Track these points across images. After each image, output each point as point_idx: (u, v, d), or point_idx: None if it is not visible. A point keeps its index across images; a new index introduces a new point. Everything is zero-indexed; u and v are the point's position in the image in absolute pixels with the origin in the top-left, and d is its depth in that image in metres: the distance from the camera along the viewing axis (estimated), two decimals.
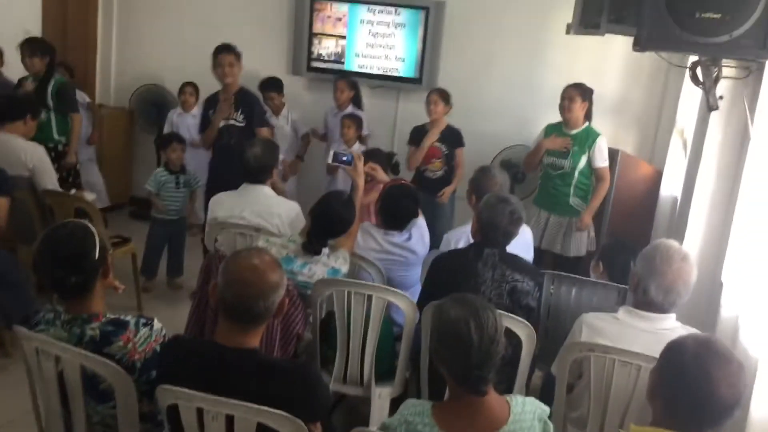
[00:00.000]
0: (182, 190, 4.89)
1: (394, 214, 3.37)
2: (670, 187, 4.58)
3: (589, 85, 4.58)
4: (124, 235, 4.57)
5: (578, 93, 4.43)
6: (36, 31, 5.83)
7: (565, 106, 4.46)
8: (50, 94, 4.96)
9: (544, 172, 4.61)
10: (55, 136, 4.99)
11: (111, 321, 2.02)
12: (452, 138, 5.05)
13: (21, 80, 5.09)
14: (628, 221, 4.73)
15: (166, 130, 5.87)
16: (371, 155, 4.19)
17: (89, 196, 4.45)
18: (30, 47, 4.92)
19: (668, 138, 4.86)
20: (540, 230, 4.56)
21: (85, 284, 2.01)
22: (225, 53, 4.48)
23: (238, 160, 3.64)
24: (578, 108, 4.42)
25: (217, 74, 4.51)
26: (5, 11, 5.54)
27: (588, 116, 4.53)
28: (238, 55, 4.52)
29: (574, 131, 4.48)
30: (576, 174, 4.45)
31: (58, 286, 2.00)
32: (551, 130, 4.62)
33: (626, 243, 3.27)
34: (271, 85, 5.70)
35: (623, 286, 2.97)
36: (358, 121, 5.26)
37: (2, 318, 3.68)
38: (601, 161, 4.44)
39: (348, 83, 5.64)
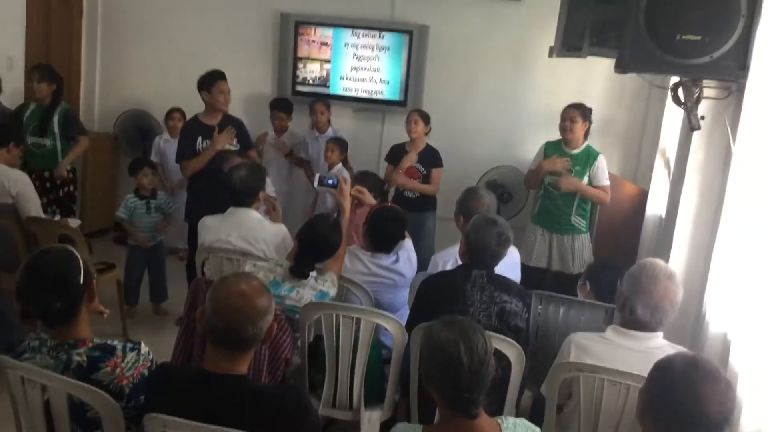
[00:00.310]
0: (154, 215, 4.83)
1: (382, 236, 3.37)
2: (656, 207, 4.61)
3: None
4: (108, 261, 4.53)
5: (579, 113, 4.46)
6: (19, 57, 5.83)
7: (566, 127, 4.47)
8: (56, 122, 4.98)
9: (544, 191, 4.61)
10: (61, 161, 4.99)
11: (98, 346, 1.99)
12: (430, 158, 5.10)
13: (23, 106, 5.07)
14: (614, 241, 4.76)
15: (153, 156, 5.87)
16: (364, 177, 4.20)
17: (73, 222, 4.41)
18: (41, 73, 4.97)
19: (652, 157, 4.90)
20: (546, 250, 4.57)
21: (70, 309, 1.99)
22: (224, 81, 4.51)
23: (226, 183, 3.63)
24: (579, 128, 4.45)
25: (217, 102, 4.48)
26: None
27: (586, 135, 4.56)
28: None
29: (575, 151, 4.50)
30: (578, 193, 4.47)
31: (44, 312, 1.98)
32: (551, 148, 4.62)
33: (612, 262, 3.29)
34: (281, 105, 5.75)
35: (610, 305, 2.97)
36: (342, 145, 5.27)
37: None
38: (604, 179, 4.47)
39: (326, 105, 5.72)
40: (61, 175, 5.04)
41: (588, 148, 4.52)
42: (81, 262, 2.02)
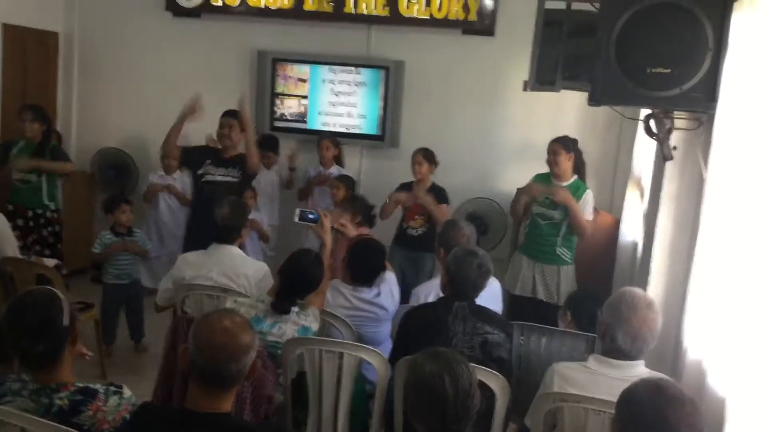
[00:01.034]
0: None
1: (362, 268, 3.37)
2: (629, 234, 4.68)
3: (545, 137, 4.67)
4: (86, 300, 4.48)
5: (561, 146, 4.48)
6: None
7: (551, 161, 4.49)
8: (48, 158, 4.99)
9: (532, 221, 4.61)
10: (45, 201, 5.00)
11: (80, 390, 1.97)
12: (436, 196, 5.05)
13: (10, 143, 5.03)
14: (591, 270, 4.80)
15: (145, 195, 5.87)
16: (353, 200, 4.23)
17: (49, 262, 4.36)
18: (33, 113, 4.98)
19: (625, 187, 4.99)
20: (530, 279, 4.56)
21: (53, 352, 1.96)
22: (227, 117, 4.74)
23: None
24: (564, 160, 4.45)
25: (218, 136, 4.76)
26: None
27: (578, 167, 4.56)
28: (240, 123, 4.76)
29: (563, 183, 4.50)
30: (564, 225, 4.46)
31: (26, 355, 1.95)
32: (540, 179, 4.64)
33: (592, 292, 3.32)
34: (268, 144, 5.77)
35: (591, 334, 3.00)
36: (348, 182, 5.21)
37: None
38: (587, 214, 4.46)
39: (333, 141, 5.71)
40: (18, 166, 4.97)
41: (577, 183, 4.53)
42: (65, 303, 2.00)
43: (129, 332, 4.89)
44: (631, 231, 4.80)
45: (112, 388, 2.00)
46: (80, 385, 1.98)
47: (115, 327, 4.82)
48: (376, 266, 3.39)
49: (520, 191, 4.64)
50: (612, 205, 5.59)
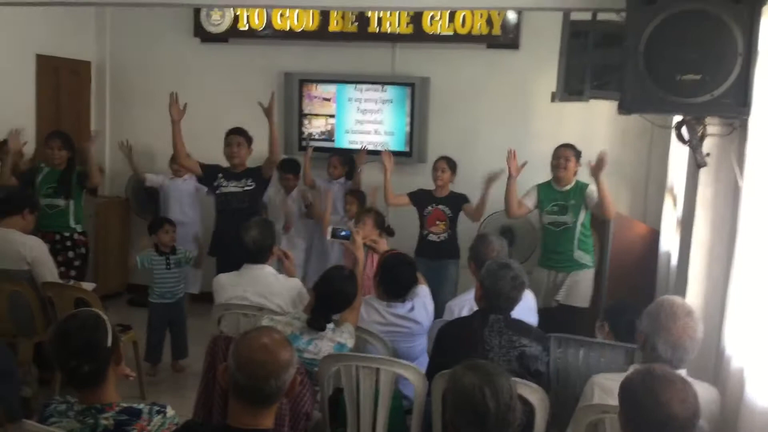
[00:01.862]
0: (174, 270, 4.88)
1: (393, 283, 3.38)
2: (668, 245, 4.61)
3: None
4: (123, 323, 4.54)
5: (572, 153, 4.63)
6: (30, 127, 5.96)
7: (561, 165, 4.62)
8: (74, 181, 5.05)
9: (545, 231, 4.67)
10: (72, 224, 5.04)
11: (124, 410, 2.00)
12: (457, 201, 5.14)
13: (35, 169, 5.15)
14: (628, 281, 4.75)
15: (149, 183, 6.10)
16: (370, 211, 4.28)
17: (88, 285, 4.44)
18: (62, 140, 5.06)
19: (659, 196, 4.94)
20: (552, 291, 4.59)
21: (98, 373, 2.00)
22: (234, 134, 4.97)
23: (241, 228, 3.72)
24: (573, 166, 4.61)
25: (225, 153, 4.95)
26: (3, 110, 5.67)
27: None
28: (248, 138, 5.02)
29: (566, 187, 4.62)
30: (578, 227, 4.57)
31: (72, 376, 1.99)
32: (543, 189, 4.76)
33: (629, 303, 3.28)
34: (289, 166, 5.81)
35: (631, 345, 2.96)
36: (361, 197, 5.33)
37: (3, 411, 3.63)
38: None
39: (340, 160, 5.80)
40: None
41: (577, 183, 4.65)
42: (108, 325, 2.04)
43: (171, 351, 4.97)
44: (669, 240, 4.74)
45: (156, 408, 2.03)
46: (125, 405, 2.02)
47: (160, 347, 4.92)
48: (407, 281, 3.40)
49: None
50: (646, 215, 5.53)
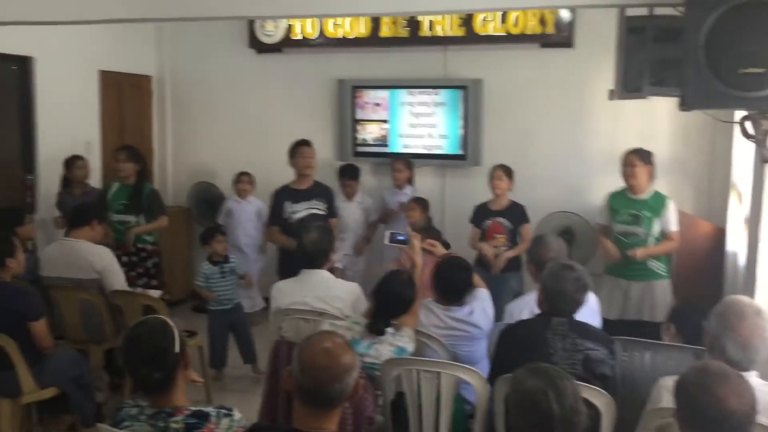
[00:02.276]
0: (229, 278, 4.98)
1: (448, 286, 3.37)
2: (735, 243, 4.47)
3: (635, 146, 4.57)
4: (189, 329, 4.66)
5: (638, 157, 4.38)
6: (95, 140, 6.19)
7: (628, 173, 4.41)
8: (144, 201, 5.19)
9: (615, 240, 4.47)
10: (144, 236, 5.19)
11: (194, 413, 2.06)
12: (516, 214, 5.03)
13: (106, 187, 5.33)
14: (694, 282, 4.62)
15: (221, 219, 6.07)
16: (426, 232, 4.24)
17: (154, 293, 4.57)
18: (128, 153, 5.19)
19: (724, 193, 4.79)
20: (620, 300, 4.44)
21: (167, 378, 2.07)
22: (306, 146, 4.96)
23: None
24: (641, 172, 4.36)
25: (297, 165, 4.92)
26: (68, 124, 5.91)
27: (652, 181, 4.46)
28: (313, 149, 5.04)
29: (641, 196, 4.41)
30: (650, 240, 4.36)
31: (143, 382, 2.06)
32: (615, 197, 4.55)
33: (696, 303, 3.20)
34: (349, 171, 5.88)
35: (699, 347, 2.88)
36: (423, 204, 5.26)
37: (79, 417, 3.78)
38: (673, 225, 4.35)
39: (405, 163, 5.81)
40: (128, 241, 5.11)
41: (657, 194, 4.42)
42: (176, 332, 2.11)
43: (241, 356, 5.08)
44: (736, 239, 4.60)
45: (224, 411, 2.08)
46: (193, 408, 2.08)
47: (224, 352, 5.03)
48: (462, 284, 3.37)
49: (601, 233, 4.64)
50: (710, 213, 5.38)
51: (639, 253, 4.30)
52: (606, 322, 4.35)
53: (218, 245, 4.98)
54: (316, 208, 4.88)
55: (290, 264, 4.41)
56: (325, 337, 2.02)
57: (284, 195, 4.94)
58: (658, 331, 4.05)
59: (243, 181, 6.13)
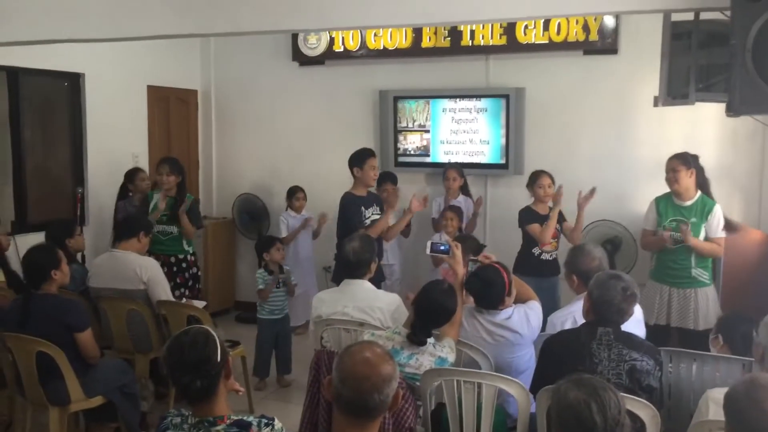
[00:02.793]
0: (282, 288, 5.08)
1: (481, 290, 3.33)
2: None
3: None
4: (232, 338, 4.72)
5: (680, 162, 4.33)
6: (143, 155, 6.34)
7: (671, 179, 4.36)
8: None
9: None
10: (185, 247, 5.29)
11: (235, 422, 2.07)
12: (561, 216, 5.05)
13: (147, 197, 5.43)
14: (744, 291, 4.49)
15: (283, 230, 6.16)
16: (463, 240, 4.22)
17: (199, 303, 4.64)
18: (170, 165, 5.27)
19: None
20: (665, 307, 4.39)
21: (210, 387, 2.09)
22: (375, 157, 4.90)
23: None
24: (684, 177, 4.30)
25: (368, 177, 4.84)
26: (117, 138, 6.07)
27: (702, 185, 4.38)
28: None
29: (687, 202, 4.35)
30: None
31: (186, 390, 2.08)
32: (661, 202, 4.49)
33: (744, 314, 3.11)
34: (387, 177, 5.91)
35: (748, 359, 2.81)
36: (459, 213, 5.32)
37: (125, 425, 3.85)
38: (719, 231, 4.29)
39: (458, 171, 5.80)
40: (155, 216, 5.16)
41: (702, 199, 4.34)
42: (218, 341, 2.13)
43: (276, 366, 5.14)
44: None
45: (264, 420, 2.10)
46: (235, 417, 2.10)
47: (269, 361, 5.11)
48: (495, 288, 3.32)
49: (646, 236, 4.59)
50: (760, 220, 5.23)
51: (686, 232, 4.24)
52: (650, 327, 4.30)
53: (277, 253, 5.07)
54: (377, 214, 4.87)
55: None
56: (365, 347, 2.02)
57: (356, 202, 4.83)
58: (702, 339, 3.97)
59: (299, 197, 6.24)
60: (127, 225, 4.58)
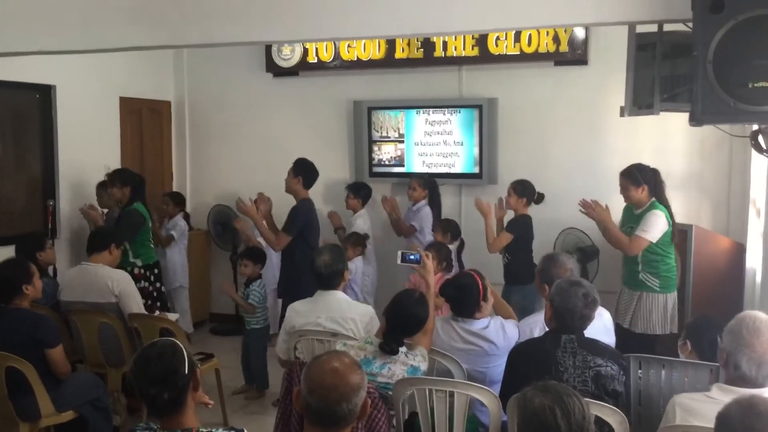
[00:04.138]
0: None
1: (457, 298, 3.37)
2: (755, 259, 4.41)
3: (651, 162, 4.56)
4: (206, 351, 4.69)
5: (628, 181, 4.43)
6: (116, 166, 6.27)
7: (622, 194, 4.51)
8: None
9: None
10: (131, 258, 5.17)
11: None
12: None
13: (111, 214, 5.44)
14: (713, 298, 4.57)
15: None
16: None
17: (172, 316, 4.61)
18: (111, 178, 5.26)
19: (742, 208, 4.75)
20: (628, 308, 4.47)
21: (177, 399, 2.08)
22: None
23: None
24: (634, 193, 4.41)
25: None
26: (89, 150, 6.02)
27: (656, 193, 4.43)
28: None
29: (639, 211, 4.45)
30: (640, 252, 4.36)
31: (153, 403, 2.07)
32: (625, 210, 4.63)
33: (712, 319, 3.16)
34: (356, 188, 6.01)
35: (715, 364, 2.85)
36: (443, 254, 5.01)
37: None
38: (640, 230, 4.32)
39: (419, 182, 5.84)
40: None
41: (651, 205, 4.39)
42: (185, 352, 2.12)
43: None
44: (756, 254, 4.54)
45: None
46: (204, 430, 2.09)
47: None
48: (470, 296, 3.35)
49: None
50: (729, 228, 5.32)
51: (598, 210, 4.52)
52: (623, 330, 4.37)
53: (244, 269, 5.10)
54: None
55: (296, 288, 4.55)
56: (333, 357, 2.03)
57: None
58: (647, 342, 4.04)
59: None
60: (98, 237, 4.52)
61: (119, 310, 4.26)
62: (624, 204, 4.63)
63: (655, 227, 4.30)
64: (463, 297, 3.33)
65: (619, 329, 4.36)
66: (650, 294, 4.36)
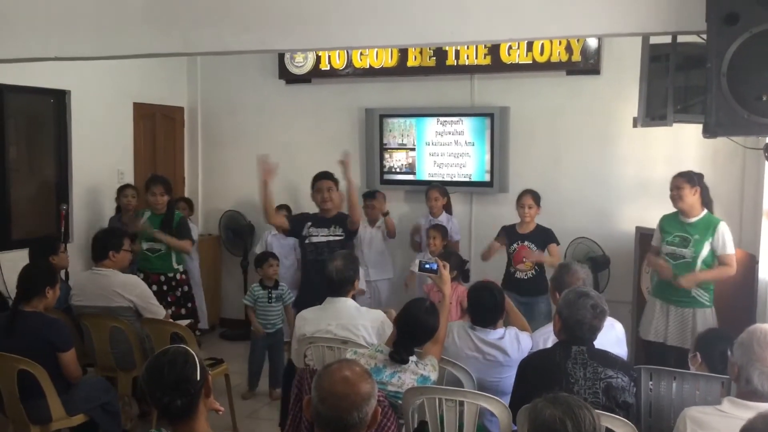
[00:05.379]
0: (275, 304, 5.17)
1: (479, 306, 3.38)
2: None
3: (663, 173, 4.54)
4: (216, 356, 4.71)
5: (684, 180, 4.30)
6: (128, 171, 6.34)
7: (675, 196, 4.34)
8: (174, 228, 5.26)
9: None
10: (174, 265, 5.25)
11: None
12: (543, 237, 5.09)
13: (136, 215, 5.45)
14: (725, 309, 4.52)
15: (259, 249, 6.09)
16: (447, 257, 4.26)
17: (183, 322, 4.62)
18: (165, 187, 5.29)
19: (756, 220, 4.72)
20: (663, 324, 4.36)
21: (189, 406, 2.09)
22: (324, 179, 4.80)
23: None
24: (689, 195, 4.27)
25: (315, 200, 4.82)
26: (102, 155, 6.06)
27: (706, 203, 4.37)
28: (336, 181, 4.83)
29: (692, 219, 4.32)
30: (699, 263, 4.25)
31: (165, 410, 2.08)
32: (667, 221, 4.48)
33: (722, 332, 3.15)
34: (370, 194, 5.98)
35: (726, 377, 2.84)
36: (443, 231, 5.36)
37: None
38: (727, 248, 4.23)
39: (440, 191, 5.82)
40: (136, 227, 5.21)
41: (708, 217, 4.32)
42: (197, 359, 2.14)
43: (269, 378, 5.23)
44: (767, 265, 4.50)
45: None
46: None
47: (259, 374, 5.21)
48: (493, 306, 3.38)
49: (649, 261, 4.59)
50: (742, 240, 5.28)
51: (684, 282, 4.21)
52: (649, 344, 4.31)
53: (269, 269, 5.17)
54: (334, 234, 4.75)
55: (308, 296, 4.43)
56: (344, 366, 2.03)
57: (311, 216, 4.89)
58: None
59: (284, 215, 6.20)
60: (96, 247, 4.46)
61: (132, 313, 4.27)
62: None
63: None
64: (493, 307, 3.36)
65: (645, 343, 4.31)
66: (703, 309, 4.27)
